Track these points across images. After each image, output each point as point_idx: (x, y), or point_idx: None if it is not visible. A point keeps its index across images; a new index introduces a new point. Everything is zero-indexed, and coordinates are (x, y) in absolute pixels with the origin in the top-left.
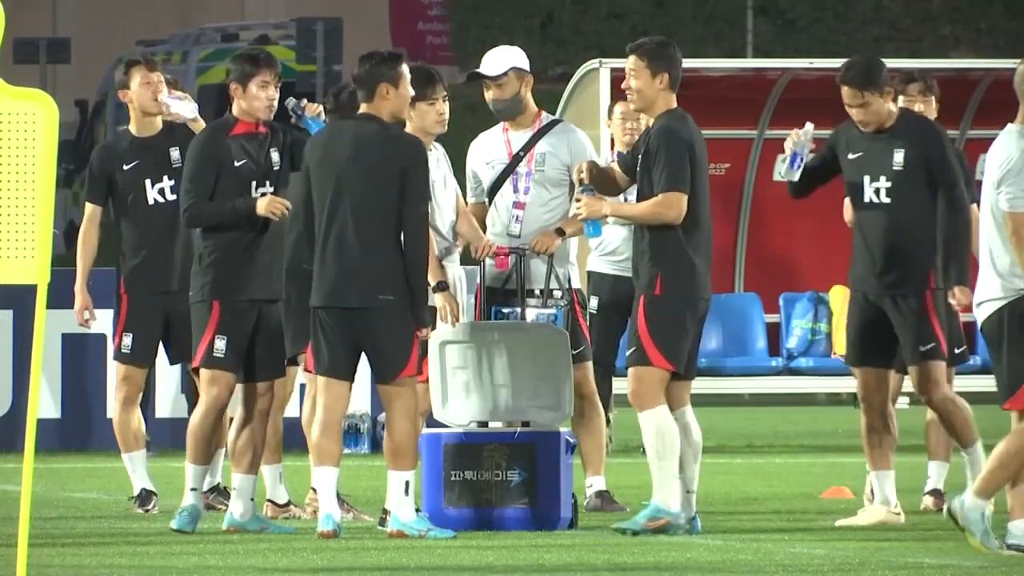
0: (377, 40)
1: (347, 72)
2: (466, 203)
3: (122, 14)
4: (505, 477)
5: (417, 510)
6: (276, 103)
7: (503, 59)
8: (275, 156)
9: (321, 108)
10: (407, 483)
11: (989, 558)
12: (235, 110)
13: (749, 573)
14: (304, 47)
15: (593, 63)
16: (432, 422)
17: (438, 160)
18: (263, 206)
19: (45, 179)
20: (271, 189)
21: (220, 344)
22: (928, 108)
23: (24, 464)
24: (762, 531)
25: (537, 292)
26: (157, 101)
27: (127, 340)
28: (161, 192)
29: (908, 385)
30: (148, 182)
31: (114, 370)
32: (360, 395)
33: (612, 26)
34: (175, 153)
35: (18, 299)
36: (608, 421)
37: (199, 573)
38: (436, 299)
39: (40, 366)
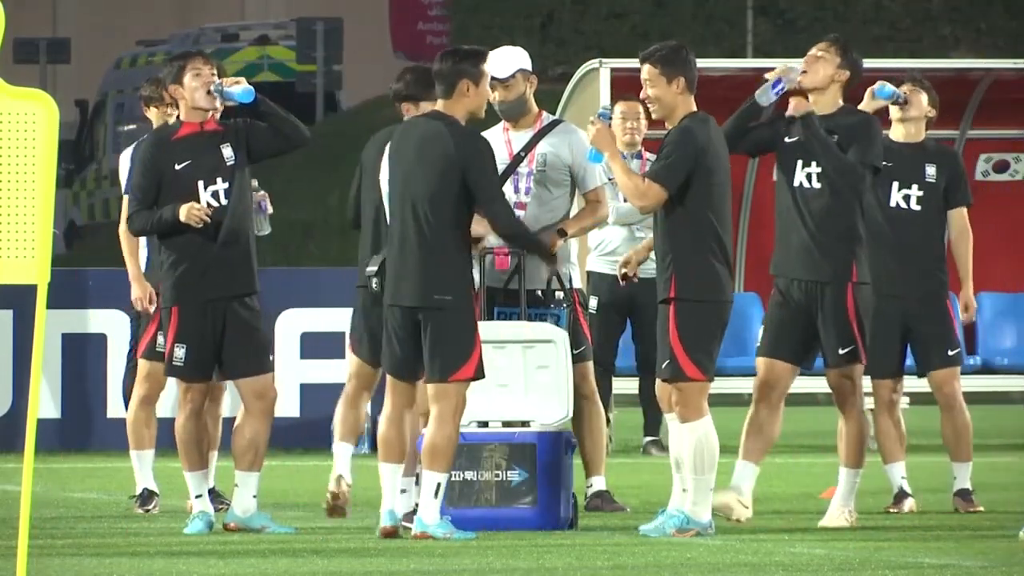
0: (377, 40)
1: (347, 72)
2: None
3: (122, 14)
4: (505, 477)
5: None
6: (219, 90)
7: (511, 61)
8: (227, 152)
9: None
10: (439, 484)
11: (989, 558)
12: (181, 113)
13: (749, 573)
14: (304, 47)
15: (593, 63)
16: None
17: None
18: (183, 214)
19: (45, 179)
20: (225, 186)
21: (179, 352)
22: (918, 103)
23: (24, 464)
24: (762, 531)
25: (539, 293)
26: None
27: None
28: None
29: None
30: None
31: (116, 366)
32: None
33: (612, 26)
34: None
35: (18, 299)
36: (608, 421)
37: (199, 573)
38: None
39: (40, 366)
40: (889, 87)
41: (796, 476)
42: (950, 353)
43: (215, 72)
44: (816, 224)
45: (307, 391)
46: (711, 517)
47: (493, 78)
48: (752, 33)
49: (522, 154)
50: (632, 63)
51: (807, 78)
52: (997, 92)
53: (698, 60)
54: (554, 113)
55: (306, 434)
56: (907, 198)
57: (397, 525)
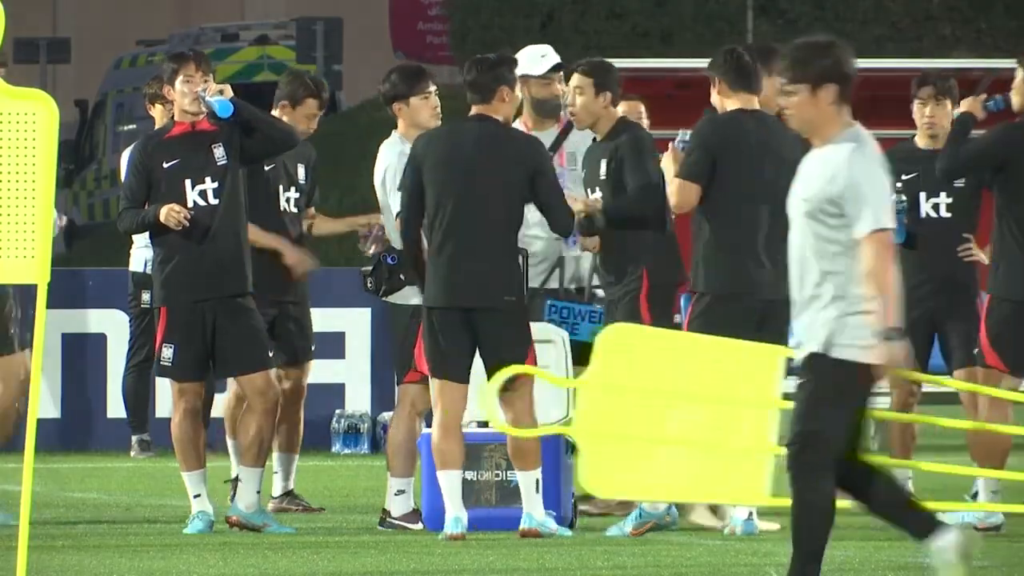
0: (377, 40)
1: (347, 72)
2: None
3: (122, 14)
4: (505, 477)
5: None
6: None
7: (548, 58)
8: (218, 152)
9: (227, 88)
10: (537, 481)
11: (989, 558)
12: (175, 113)
13: (749, 573)
14: (304, 47)
15: None
16: (432, 422)
17: None
18: (162, 215)
19: (45, 179)
20: (215, 185)
21: (167, 352)
22: (941, 113)
23: (24, 464)
24: (762, 531)
25: (576, 290)
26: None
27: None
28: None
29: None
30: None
31: (116, 366)
32: (360, 395)
33: (612, 26)
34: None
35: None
36: None
37: (199, 573)
38: None
39: (40, 366)
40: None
41: None
42: (976, 352)
43: (208, 78)
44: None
45: (307, 391)
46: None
47: (530, 76)
48: (752, 33)
49: (551, 153)
50: (632, 63)
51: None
52: (997, 92)
53: (698, 60)
54: None
55: (306, 434)
56: (936, 207)
57: (464, 532)
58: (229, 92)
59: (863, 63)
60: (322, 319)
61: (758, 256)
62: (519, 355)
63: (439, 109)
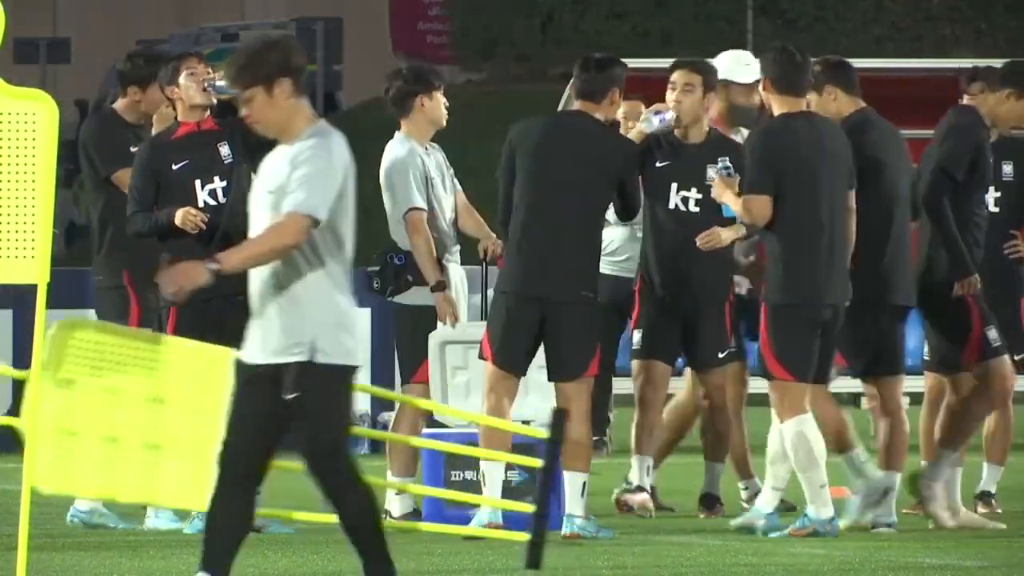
0: (377, 40)
1: (347, 72)
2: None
3: (122, 14)
4: (505, 477)
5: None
6: (212, 85)
7: (754, 66)
8: (224, 151)
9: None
10: (584, 484)
11: (989, 558)
12: (178, 114)
13: (749, 573)
14: (304, 47)
15: None
16: (432, 422)
17: (438, 162)
18: (178, 219)
19: (45, 179)
20: (223, 184)
21: None
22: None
23: (24, 464)
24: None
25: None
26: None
27: None
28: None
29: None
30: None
31: None
32: (360, 395)
33: (612, 26)
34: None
35: (18, 299)
36: (608, 421)
37: None
38: (435, 299)
39: (40, 366)
40: None
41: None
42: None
43: (210, 70)
44: None
45: None
46: (832, 514)
47: (734, 82)
48: (752, 33)
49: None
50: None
51: None
52: None
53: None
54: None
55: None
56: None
57: (500, 523)
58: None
59: (863, 63)
60: None
61: (822, 262)
62: (589, 353)
63: (446, 109)
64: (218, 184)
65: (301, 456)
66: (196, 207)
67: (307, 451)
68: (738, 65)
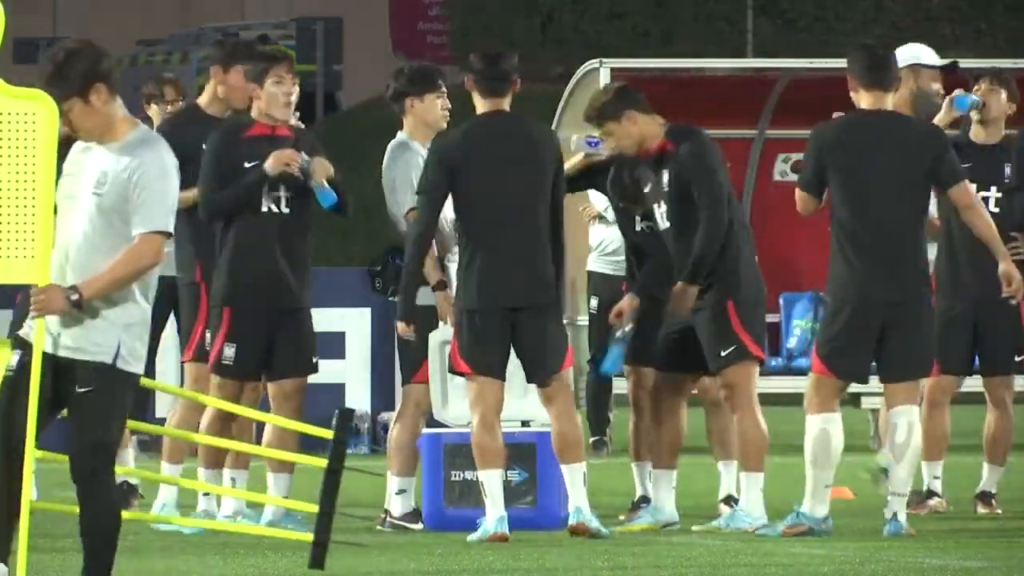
0: (377, 40)
1: (347, 72)
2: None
3: (122, 14)
4: (505, 477)
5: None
6: (294, 100)
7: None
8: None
9: (328, 167)
10: (584, 474)
11: (989, 558)
12: (253, 111)
13: (749, 573)
14: (304, 47)
15: (593, 63)
16: (432, 422)
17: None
18: (271, 165)
19: (45, 179)
20: (290, 194)
21: (229, 352)
22: (997, 102)
23: (24, 464)
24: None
25: None
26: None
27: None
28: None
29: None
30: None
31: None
32: (359, 395)
33: (612, 26)
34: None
35: None
36: (608, 421)
37: (199, 573)
38: (436, 299)
39: (40, 366)
40: (968, 97)
41: (796, 476)
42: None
43: (296, 80)
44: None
45: (308, 391)
46: (826, 514)
47: (925, 65)
48: (752, 33)
49: None
50: (632, 63)
51: None
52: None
53: (698, 60)
54: (554, 113)
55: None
56: (985, 200)
57: (507, 532)
58: (330, 170)
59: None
60: (322, 319)
61: (868, 260)
62: (562, 351)
63: (448, 111)
64: (283, 193)
65: (71, 450)
66: (259, 211)
67: (80, 446)
68: (926, 51)
